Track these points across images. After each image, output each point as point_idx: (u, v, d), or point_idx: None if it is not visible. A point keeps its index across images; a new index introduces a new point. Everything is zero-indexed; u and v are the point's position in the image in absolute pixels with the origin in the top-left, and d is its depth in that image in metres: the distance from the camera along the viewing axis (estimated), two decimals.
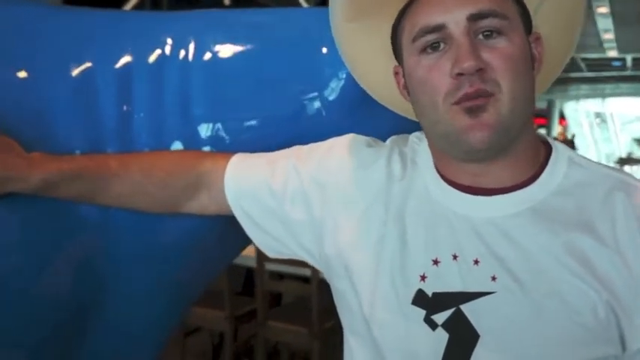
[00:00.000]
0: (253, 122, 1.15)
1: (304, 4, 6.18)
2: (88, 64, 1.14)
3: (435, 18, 0.84)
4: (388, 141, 1.03)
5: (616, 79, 15.64)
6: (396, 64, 0.96)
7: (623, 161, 15.33)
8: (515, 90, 0.83)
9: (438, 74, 0.84)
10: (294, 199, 1.01)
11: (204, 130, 1.15)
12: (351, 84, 1.09)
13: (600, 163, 0.94)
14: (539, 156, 0.92)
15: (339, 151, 1.01)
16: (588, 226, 0.85)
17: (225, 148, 1.13)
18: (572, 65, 12.76)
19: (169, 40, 1.17)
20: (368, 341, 0.91)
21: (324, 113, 1.12)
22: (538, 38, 0.92)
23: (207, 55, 1.16)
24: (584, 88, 16.98)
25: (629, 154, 17.66)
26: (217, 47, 1.16)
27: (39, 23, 1.18)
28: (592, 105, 19.13)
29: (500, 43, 0.84)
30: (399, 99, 0.98)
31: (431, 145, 0.95)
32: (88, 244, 1.12)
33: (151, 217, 1.13)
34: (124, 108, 1.13)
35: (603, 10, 9.00)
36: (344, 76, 1.10)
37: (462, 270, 0.86)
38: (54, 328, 1.12)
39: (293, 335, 3.37)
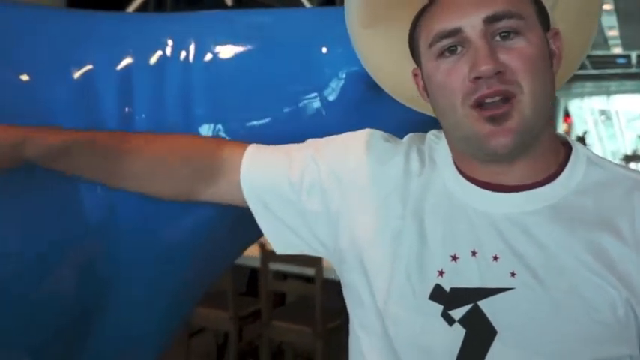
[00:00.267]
0: (254, 122, 1.16)
1: (307, 5, 6.18)
2: (89, 66, 1.14)
3: (450, 22, 0.84)
4: (406, 138, 1.02)
5: (621, 76, 15.59)
6: (415, 65, 0.96)
7: (628, 158, 15.29)
8: (536, 89, 0.83)
9: (456, 78, 0.84)
10: (310, 190, 1.01)
11: (205, 131, 1.15)
12: (351, 84, 1.09)
13: (617, 164, 0.94)
14: (559, 155, 0.92)
15: (358, 145, 1.01)
16: (607, 225, 0.85)
17: None
18: None
19: (170, 42, 1.17)
20: (380, 336, 0.91)
21: (324, 113, 1.12)
22: (557, 34, 0.91)
23: (208, 56, 1.16)
24: (589, 85, 16.94)
25: (634, 151, 17.61)
26: (218, 48, 1.17)
27: (40, 25, 1.18)
28: (597, 102, 19.08)
29: (518, 43, 0.83)
30: (419, 99, 0.98)
31: (450, 144, 0.95)
32: (91, 247, 1.12)
33: (154, 218, 1.13)
34: (126, 109, 1.14)
35: (607, 7, 8.97)
36: (344, 76, 1.10)
37: (480, 266, 0.86)
38: (56, 332, 1.13)
39: (297, 335, 3.37)
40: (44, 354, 1.12)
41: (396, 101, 1.12)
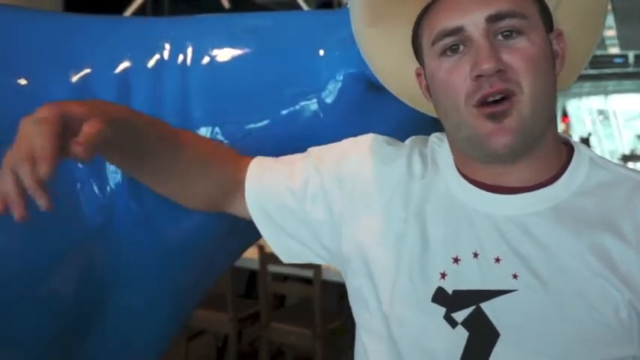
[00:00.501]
0: (252, 125, 1.16)
1: (304, 7, 6.18)
2: (87, 70, 1.15)
3: (453, 21, 0.84)
4: (408, 141, 1.02)
5: (618, 75, 15.59)
6: (418, 65, 0.96)
7: (626, 158, 15.26)
8: (537, 90, 0.83)
9: (458, 76, 0.84)
10: (314, 198, 1.01)
11: (203, 134, 1.15)
12: (349, 86, 1.09)
13: (619, 164, 0.94)
14: (561, 156, 0.92)
15: (359, 149, 1.01)
16: (610, 226, 0.85)
17: None
18: None
19: (168, 45, 1.18)
20: (385, 339, 0.90)
21: (321, 115, 1.13)
22: (560, 34, 0.91)
23: (206, 60, 1.16)
24: (587, 85, 16.93)
25: (633, 150, 17.60)
26: (215, 51, 1.17)
27: (37, 29, 1.18)
28: (595, 102, 19.08)
29: (520, 43, 0.83)
30: (423, 99, 0.97)
31: (452, 146, 0.95)
32: (90, 249, 1.13)
33: (155, 219, 1.14)
34: None
35: None
36: (341, 78, 1.10)
37: (482, 268, 0.85)
38: (56, 334, 1.13)
39: (296, 337, 3.37)
40: (46, 356, 1.12)
41: (393, 103, 1.12)
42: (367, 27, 0.96)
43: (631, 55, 13.68)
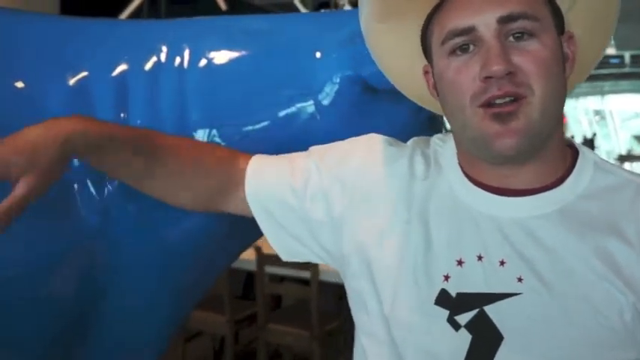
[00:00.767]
0: (249, 127, 1.16)
1: (301, 9, 6.18)
2: (85, 73, 1.15)
3: (464, 20, 0.83)
4: (410, 142, 1.02)
5: (615, 76, 15.60)
6: (426, 62, 0.95)
7: (623, 158, 15.29)
8: (547, 93, 0.82)
9: (466, 76, 0.83)
10: (314, 197, 1.00)
11: (201, 136, 1.15)
12: (346, 88, 1.10)
13: (623, 168, 0.94)
14: (566, 159, 0.91)
15: (361, 149, 1.00)
16: (615, 230, 0.84)
17: None
18: None
19: (165, 48, 1.18)
20: (386, 343, 0.90)
21: (318, 117, 1.13)
22: (571, 37, 0.90)
23: (203, 62, 1.16)
24: (583, 85, 16.96)
25: (629, 150, 17.63)
26: (212, 54, 1.17)
27: (34, 31, 1.18)
28: (591, 102, 19.11)
29: (532, 45, 0.82)
30: (430, 97, 0.97)
31: (458, 146, 0.94)
32: (88, 251, 1.13)
33: (153, 221, 1.14)
34: (121, 115, 1.14)
35: None
36: (338, 80, 1.10)
37: (486, 271, 0.85)
38: (56, 335, 1.13)
39: (294, 338, 3.37)
40: (45, 356, 1.13)
41: (390, 105, 1.13)
42: (377, 22, 0.95)
43: (627, 55, 13.71)
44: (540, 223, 0.86)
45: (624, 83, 16.84)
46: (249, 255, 3.25)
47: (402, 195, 0.94)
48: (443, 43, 0.86)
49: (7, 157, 0.86)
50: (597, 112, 19.45)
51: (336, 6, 6.40)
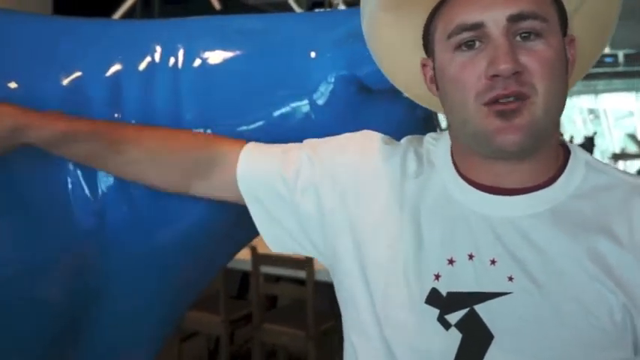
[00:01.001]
0: (243, 127, 1.16)
1: (296, 9, 6.18)
2: (78, 73, 1.14)
3: (473, 16, 0.82)
4: (403, 140, 1.01)
5: (609, 75, 15.64)
6: (424, 56, 0.94)
7: (616, 157, 15.33)
8: (551, 94, 0.82)
9: (471, 73, 0.83)
10: (305, 189, 1.00)
11: None
12: (340, 88, 1.09)
13: (616, 168, 0.94)
14: (559, 158, 0.91)
15: (354, 146, 1.00)
16: (606, 230, 0.84)
17: None
18: None
19: (159, 47, 1.17)
20: (377, 341, 0.90)
21: (313, 117, 1.13)
22: (572, 40, 0.90)
23: (197, 62, 1.16)
24: (577, 84, 16.94)
25: (623, 149, 17.68)
26: (207, 53, 1.17)
27: (27, 32, 1.18)
28: (585, 101, 19.16)
29: (539, 46, 0.82)
30: (427, 94, 0.96)
31: (454, 143, 0.94)
32: (83, 252, 1.12)
33: (147, 221, 1.13)
34: (115, 115, 1.14)
35: None
36: (333, 80, 1.10)
37: (477, 270, 0.85)
38: (55, 335, 1.14)
39: (289, 338, 3.37)
40: (44, 356, 1.13)
41: (385, 104, 1.12)
42: (382, 11, 0.93)
43: (621, 54, 13.74)
44: (532, 222, 0.86)
45: (618, 82, 16.88)
46: (244, 255, 3.25)
47: (393, 193, 0.93)
48: (449, 37, 0.85)
49: None
50: (591, 111, 19.50)
51: (330, 5, 6.39)
